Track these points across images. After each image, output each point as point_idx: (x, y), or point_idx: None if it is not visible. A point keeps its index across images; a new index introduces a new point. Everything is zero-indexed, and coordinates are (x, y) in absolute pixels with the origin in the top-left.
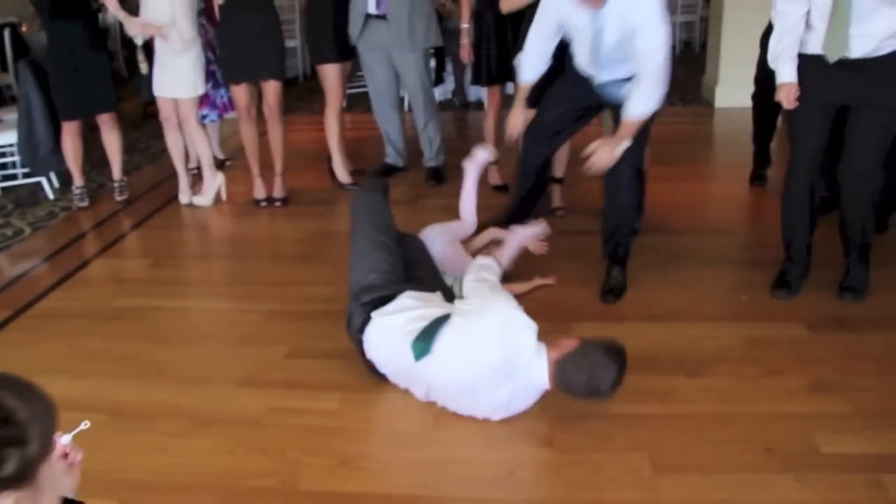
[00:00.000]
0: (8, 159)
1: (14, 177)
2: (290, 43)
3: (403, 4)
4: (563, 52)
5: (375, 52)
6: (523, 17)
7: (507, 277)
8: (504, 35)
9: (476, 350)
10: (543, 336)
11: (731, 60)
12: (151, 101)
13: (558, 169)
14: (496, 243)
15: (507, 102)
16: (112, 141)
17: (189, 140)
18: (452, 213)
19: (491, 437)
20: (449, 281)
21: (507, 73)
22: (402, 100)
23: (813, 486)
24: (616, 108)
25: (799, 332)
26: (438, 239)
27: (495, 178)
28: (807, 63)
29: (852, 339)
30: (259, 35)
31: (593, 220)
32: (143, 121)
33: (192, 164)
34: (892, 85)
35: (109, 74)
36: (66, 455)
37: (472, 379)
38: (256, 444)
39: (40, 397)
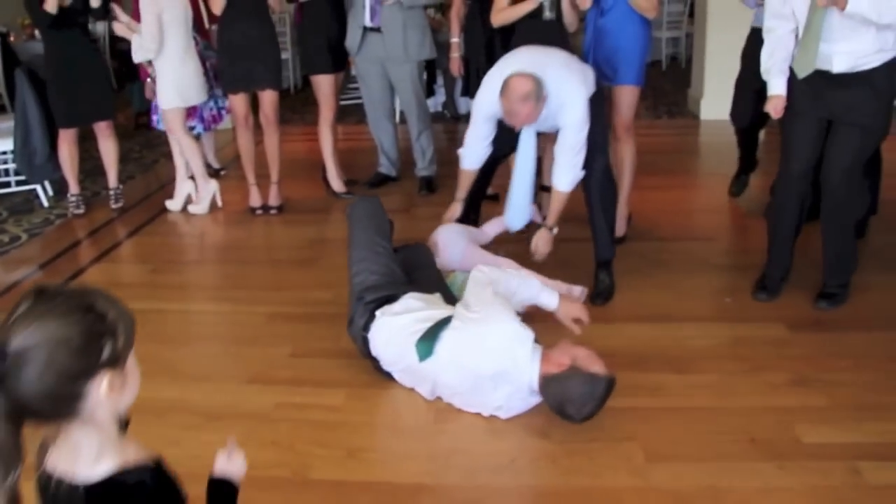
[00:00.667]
0: (0, 167)
1: (7, 184)
2: (281, 54)
3: (397, 17)
4: None
5: (371, 63)
6: (513, 31)
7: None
8: (493, 48)
9: (475, 357)
10: (541, 337)
11: (716, 74)
12: (143, 112)
13: (547, 177)
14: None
15: None
16: (109, 149)
17: (179, 149)
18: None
19: (490, 429)
20: (461, 278)
21: None
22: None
23: (795, 473)
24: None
25: (779, 332)
26: (458, 238)
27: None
28: (795, 78)
29: (830, 339)
30: (256, 46)
31: (582, 227)
32: (135, 131)
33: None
34: (868, 104)
35: (107, 83)
36: None
37: (471, 380)
38: (266, 437)
39: (123, 305)
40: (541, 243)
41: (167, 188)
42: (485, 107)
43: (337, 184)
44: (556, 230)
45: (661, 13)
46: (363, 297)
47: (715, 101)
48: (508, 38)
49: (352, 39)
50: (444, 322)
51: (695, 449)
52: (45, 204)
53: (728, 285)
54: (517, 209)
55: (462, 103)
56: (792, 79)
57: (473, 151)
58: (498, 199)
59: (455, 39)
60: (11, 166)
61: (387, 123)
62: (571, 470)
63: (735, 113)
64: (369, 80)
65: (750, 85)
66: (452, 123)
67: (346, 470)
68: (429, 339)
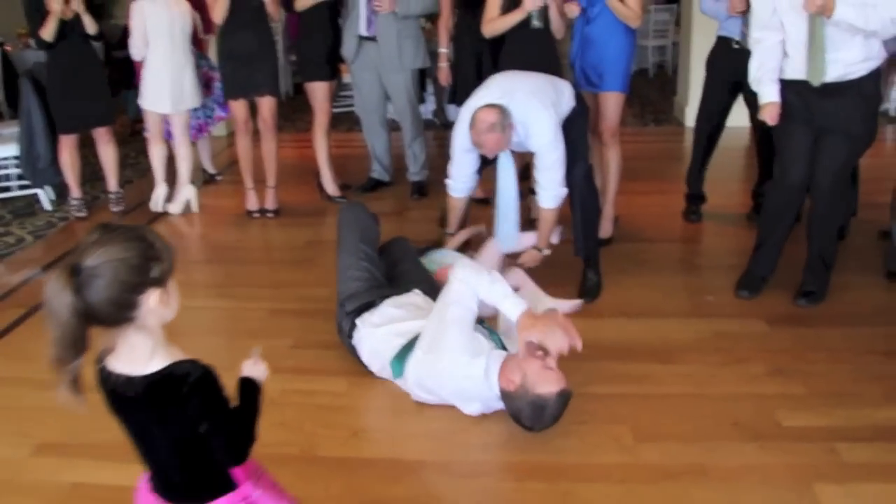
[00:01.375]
0: (2, 171)
1: (8, 189)
2: None
3: (392, 27)
4: None
5: (366, 71)
6: (503, 40)
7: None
8: (481, 57)
9: (435, 384)
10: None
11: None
12: (138, 119)
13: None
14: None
15: None
16: (108, 154)
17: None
18: (436, 225)
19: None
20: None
21: None
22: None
23: (775, 453)
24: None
25: (760, 327)
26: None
27: (478, 192)
28: (785, 88)
29: (808, 333)
30: (256, 53)
31: (568, 230)
32: (130, 137)
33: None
34: (856, 112)
35: (106, 90)
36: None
37: (441, 398)
38: (275, 419)
39: (166, 240)
40: (528, 260)
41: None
42: (460, 140)
43: (332, 188)
44: (546, 252)
45: (648, 22)
46: (344, 305)
47: None
48: (497, 47)
49: (348, 48)
50: (414, 341)
51: (680, 431)
52: (48, 207)
53: (710, 284)
54: (506, 231)
55: (451, 111)
56: (783, 91)
57: (460, 182)
58: (488, 203)
59: (443, 50)
60: (13, 171)
61: (381, 130)
62: (563, 449)
63: (699, 119)
64: (365, 87)
65: (714, 93)
66: (442, 130)
67: (350, 448)
68: (400, 359)
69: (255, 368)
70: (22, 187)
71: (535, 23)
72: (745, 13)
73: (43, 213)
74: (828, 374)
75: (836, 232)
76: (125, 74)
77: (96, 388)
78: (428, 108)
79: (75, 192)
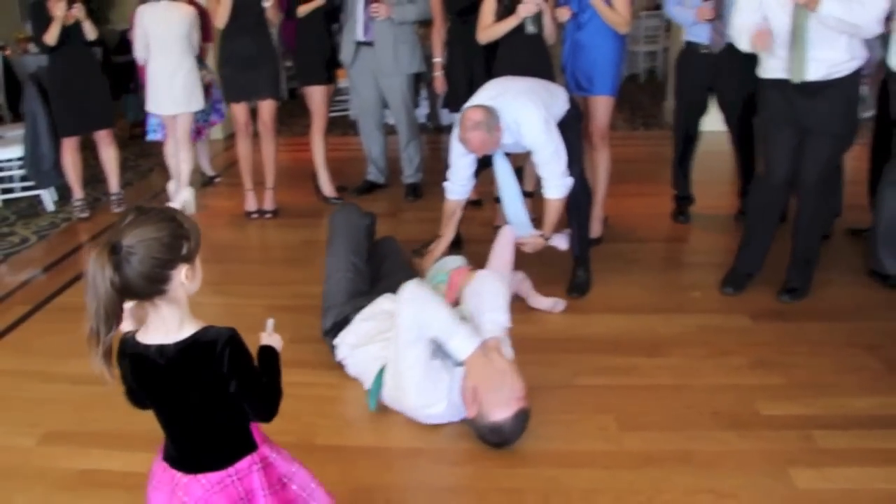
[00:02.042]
0: (6, 173)
1: (11, 190)
2: None
3: (388, 32)
4: None
5: (363, 75)
6: (496, 46)
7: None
8: (473, 63)
9: (405, 410)
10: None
11: None
12: (137, 123)
13: (528, 183)
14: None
15: None
16: (110, 156)
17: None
18: (429, 225)
19: None
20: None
21: None
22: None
23: (753, 440)
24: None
25: (743, 322)
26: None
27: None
28: (768, 87)
29: (790, 328)
30: (257, 58)
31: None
32: (129, 141)
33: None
34: (839, 112)
35: (107, 94)
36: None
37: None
38: None
39: (194, 220)
40: (529, 246)
41: (164, 194)
42: (455, 143)
43: (328, 189)
44: (551, 241)
45: (639, 28)
46: (324, 323)
47: None
48: (491, 53)
49: (346, 53)
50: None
51: (663, 420)
52: (50, 208)
53: (696, 281)
54: (517, 222)
55: (444, 116)
56: (768, 91)
57: (457, 185)
58: (480, 205)
59: (437, 59)
60: (16, 172)
61: (377, 133)
62: (550, 437)
63: (675, 125)
64: (362, 91)
65: (686, 99)
66: (435, 134)
67: (346, 437)
68: (374, 390)
69: (271, 338)
70: (24, 188)
71: (530, 28)
72: (713, 20)
73: (46, 214)
74: (808, 366)
75: (820, 231)
76: (124, 79)
77: (108, 377)
78: (422, 113)
79: (77, 193)
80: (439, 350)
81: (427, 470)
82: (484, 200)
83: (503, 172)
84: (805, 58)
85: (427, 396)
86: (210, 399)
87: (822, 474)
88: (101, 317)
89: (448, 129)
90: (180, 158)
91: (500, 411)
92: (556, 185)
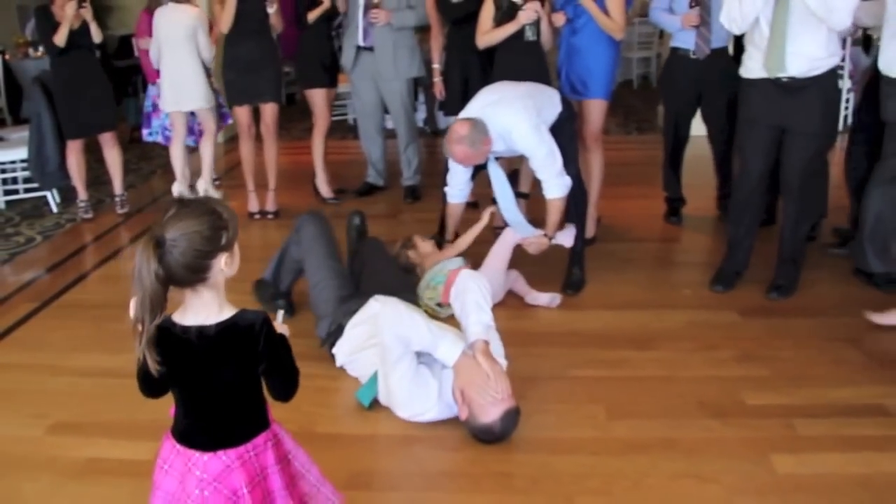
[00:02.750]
0: (9, 175)
1: (16, 191)
2: None
3: (388, 38)
4: None
5: (364, 80)
6: (493, 51)
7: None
8: (469, 69)
9: (400, 413)
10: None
11: None
12: (137, 127)
13: (524, 185)
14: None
15: None
16: (114, 158)
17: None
18: (428, 226)
19: None
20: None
21: None
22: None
23: (737, 428)
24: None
25: (731, 318)
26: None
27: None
28: (750, 87)
29: (776, 323)
30: (259, 61)
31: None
32: (130, 143)
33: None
34: (819, 110)
35: (111, 96)
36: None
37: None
38: None
39: (232, 210)
40: (532, 247)
41: (165, 197)
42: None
43: (325, 189)
44: (555, 239)
45: (633, 34)
46: (319, 334)
47: None
48: (488, 58)
49: (347, 58)
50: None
51: (650, 409)
52: (55, 209)
53: (687, 279)
54: (515, 223)
55: (442, 120)
56: (747, 88)
57: (456, 189)
58: (477, 206)
59: (436, 66)
60: (20, 174)
61: (377, 136)
62: (541, 425)
63: (665, 131)
64: (363, 95)
65: (674, 105)
66: (432, 138)
67: (346, 425)
68: (369, 390)
69: (282, 327)
70: (28, 190)
71: (529, 35)
72: (699, 27)
73: (51, 215)
74: (792, 359)
75: (806, 231)
76: (125, 83)
77: (153, 364)
78: (419, 117)
79: (82, 194)
80: (426, 356)
81: (422, 455)
82: (480, 202)
83: (496, 178)
84: (784, 52)
85: (419, 406)
86: (240, 377)
87: (801, 460)
88: (147, 307)
89: (445, 133)
90: (203, 154)
91: (488, 413)
92: (555, 184)
